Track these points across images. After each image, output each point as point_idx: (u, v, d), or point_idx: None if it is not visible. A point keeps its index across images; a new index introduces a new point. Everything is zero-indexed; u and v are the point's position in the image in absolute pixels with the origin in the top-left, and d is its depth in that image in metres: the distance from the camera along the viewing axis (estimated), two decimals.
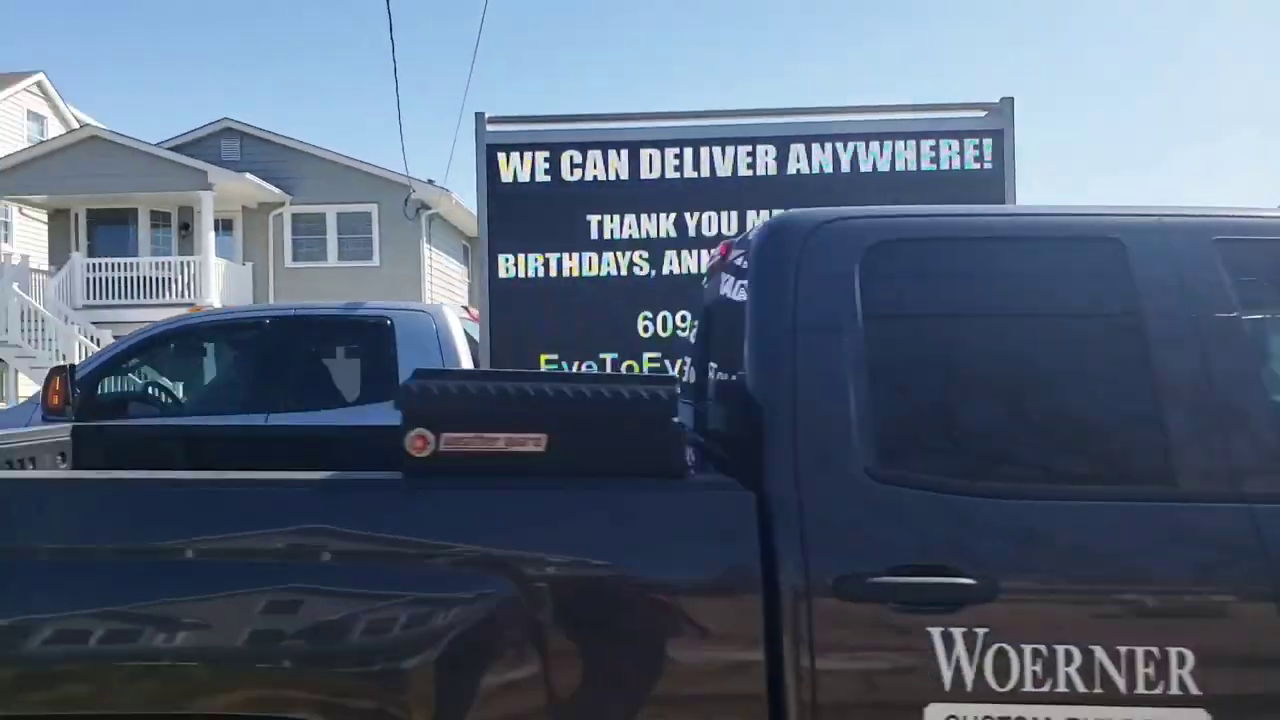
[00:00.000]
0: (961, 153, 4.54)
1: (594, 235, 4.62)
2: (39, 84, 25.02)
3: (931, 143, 4.55)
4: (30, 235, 22.34)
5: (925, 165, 4.56)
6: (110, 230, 19.65)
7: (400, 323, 4.93)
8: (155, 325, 5.32)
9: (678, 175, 4.62)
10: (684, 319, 4.54)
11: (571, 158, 4.65)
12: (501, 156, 4.66)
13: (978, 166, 4.52)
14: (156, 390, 5.54)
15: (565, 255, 4.61)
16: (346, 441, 3.07)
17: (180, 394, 5.69)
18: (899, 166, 4.58)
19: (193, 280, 18.14)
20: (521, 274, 4.64)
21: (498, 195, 4.66)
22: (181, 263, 18.45)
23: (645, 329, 4.60)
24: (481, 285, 4.65)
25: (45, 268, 19.57)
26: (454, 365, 4.71)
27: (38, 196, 19.30)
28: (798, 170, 4.62)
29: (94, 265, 18.11)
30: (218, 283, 18.44)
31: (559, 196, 4.63)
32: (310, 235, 21.07)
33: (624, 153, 4.64)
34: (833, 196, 4.51)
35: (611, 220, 4.64)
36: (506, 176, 4.69)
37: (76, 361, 5.06)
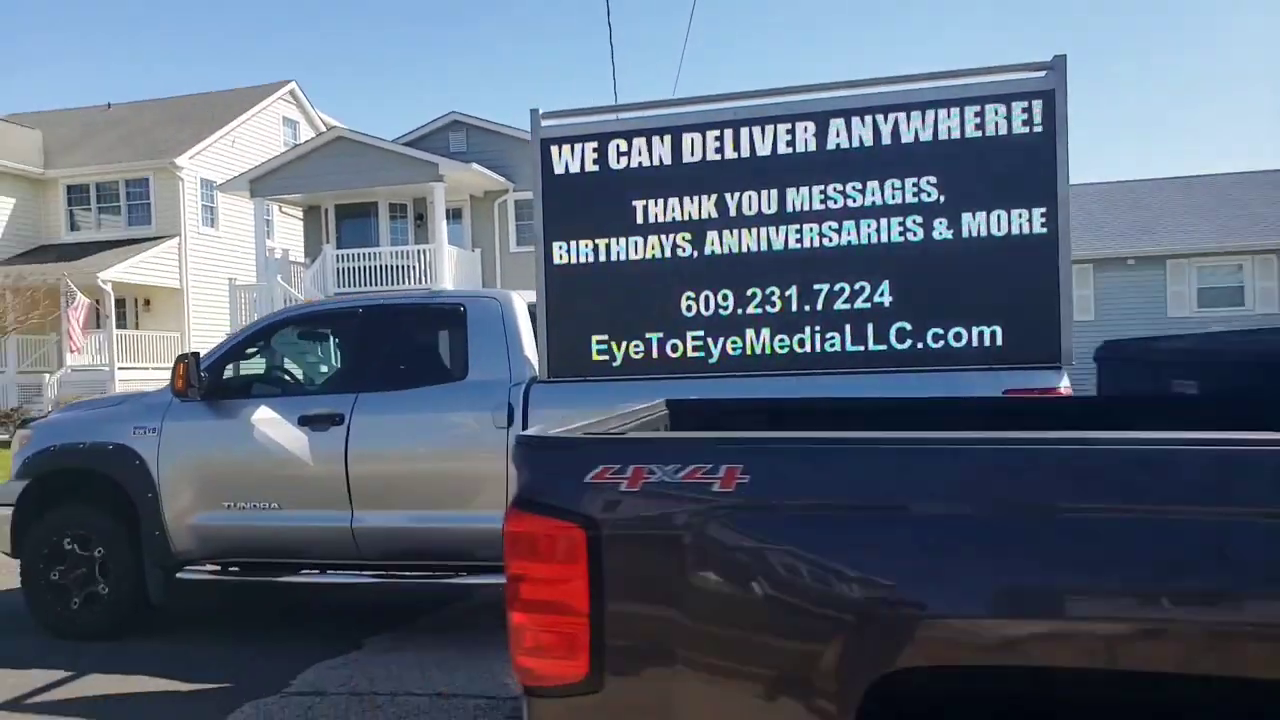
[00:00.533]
0: (1009, 117, 4.39)
1: (639, 220, 4.80)
2: (291, 92, 27.63)
3: (976, 109, 4.42)
4: (288, 231, 24.80)
5: (970, 133, 4.43)
6: (355, 223, 21.39)
7: (471, 308, 5.28)
8: (269, 316, 5.99)
9: (718, 157, 4.72)
10: (724, 297, 4.68)
11: (618, 146, 4.84)
12: (554, 149, 4.92)
13: (1026, 131, 4.37)
14: (276, 372, 6.15)
15: (613, 240, 4.82)
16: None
17: (298, 375, 6.29)
18: (942, 135, 4.47)
19: (428, 267, 19.43)
20: (574, 260, 4.90)
21: (552, 186, 4.95)
22: (418, 251, 19.80)
23: (689, 308, 4.74)
24: (538, 271, 4.97)
25: (301, 260, 21.60)
26: (515, 347, 5.05)
27: (294, 196, 21.36)
28: (837, 145, 4.60)
29: (342, 256, 19.79)
30: (450, 269, 19.64)
31: (606, 184, 4.85)
32: (531, 220, 21.87)
33: (667, 138, 4.78)
34: (875, 170, 4.51)
35: (655, 204, 4.79)
36: (559, 168, 4.94)
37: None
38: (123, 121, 26.81)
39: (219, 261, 24.47)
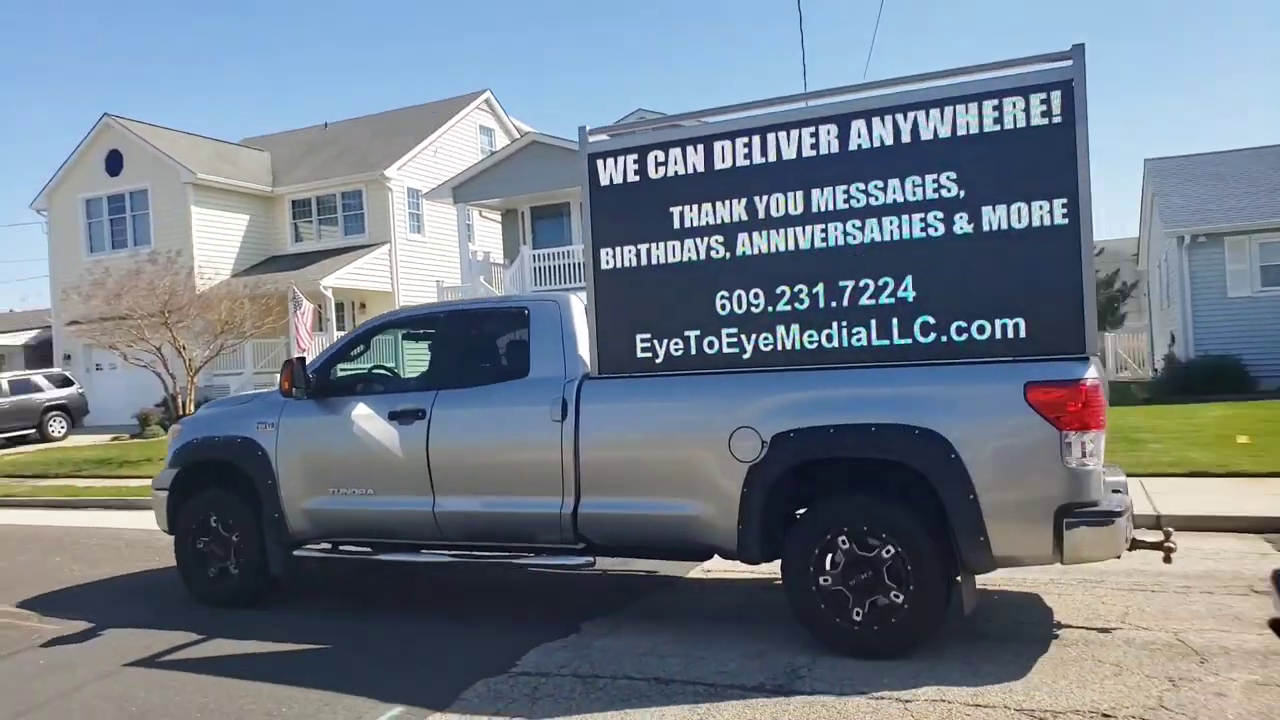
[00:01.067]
0: (1028, 109, 4.42)
1: (676, 225, 5.13)
2: (486, 100, 28.99)
3: (994, 102, 4.47)
4: (487, 234, 26.06)
5: (989, 127, 4.49)
6: (549, 223, 22.22)
7: (534, 311, 5.72)
8: (369, 321, 6.61)
9: (747, 162, 4.97)
10: (756, 296, 4.92)
11: (656, 157, 5.18)
12: (600, 163, 5.31)
13: (1046, 122, 4.39)
14: (375, 371, 6.78)
15: (653, 245, 5.18)
16: None
17: (392, 374, 6.83)
18: (961, 131, 4.54)
19: None
20: (619, 264, 5.27)
21: (599, 197, 5.35)
22: None
23: (723, 307, 5.01)
24: (588, 276, 5.36)
25: (500, 261, 22.55)
26: (570, 347, 5.46)
27: (492, 200, 22.47)
28: (859, 146, 4.74)
29: (538, 256, 20.58)
30: None
31: (646, 193, 5.20)
32: None
33: (700, 147, 5.08)
34: (895, 168, 4.64)
35: (691, 210, 5.09)
36: (604, 180, 5.33)
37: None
38: (337, 139, 29.11)
39: (425, 265, 26.14)
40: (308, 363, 6.16)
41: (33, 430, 22.17)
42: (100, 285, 19.79)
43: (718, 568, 6.14)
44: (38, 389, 22.65)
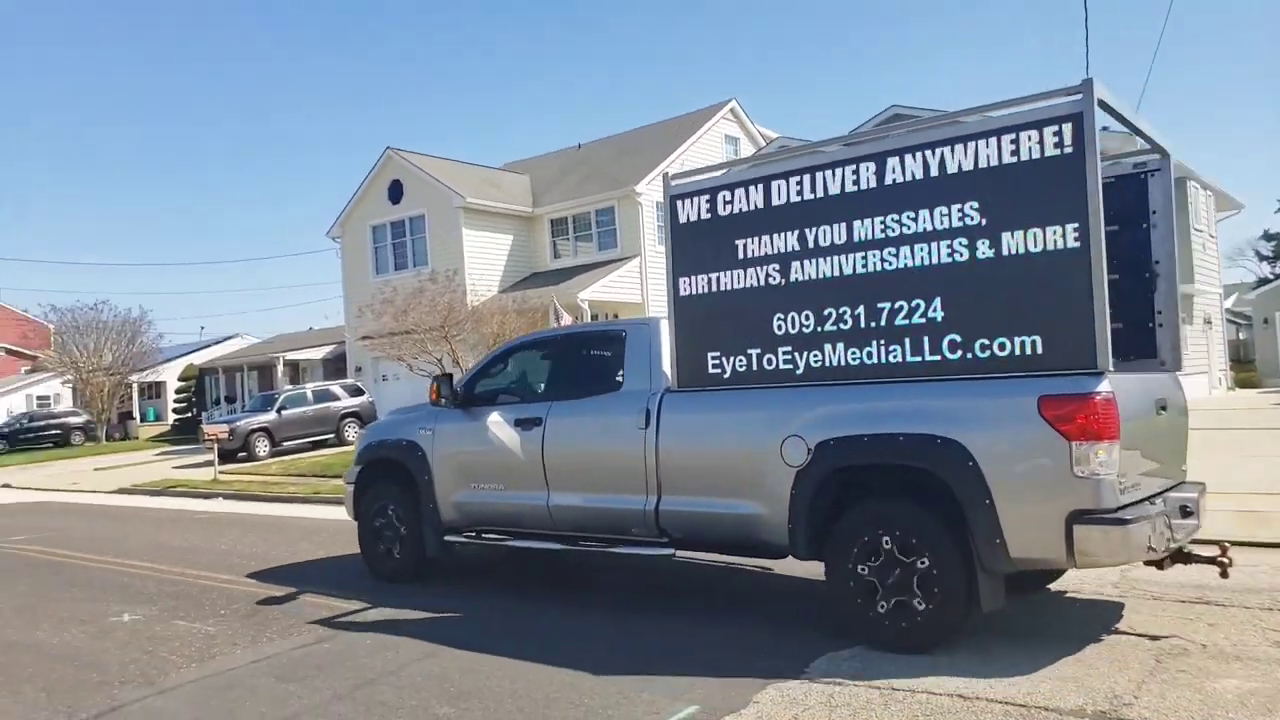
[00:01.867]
0: (1041, 141, 4.81)
1: (740, 255, 5.88)
2: (732, 110, 29.44)
3: (1012, 136, 4.90)
4: None
5: (1007, 159, 4.92)
6: None
7: (630, 332, 6.76)
8: (505, 344, 8.16)
9: (799, 199, 5.67)
10: (807, 318, 5.58)
11: (724, 197, 5.99)
12: (679, 203, 6.20)
13: (1058, 152, 4.76)
14: (513, 386, 7.82)
15: (721, 273, 5.97)
16: None
17: (521, 388, 7.81)
18: (983, 164, 5.01)
19: None
20: (694, 291, 6.10)
21: (677, 233, 6.23)
22: None
23: (779, 328, 5.71)
24: (668, 301, 6.24)
25: None
26: (656, 364, 6.40)
27: None
28: (894, 180, 5.31)
29: None
30: None
31: (716, 228, 6.01)
32: None
33: (760, 187, 5.83)
34: (925, 199, 5.14)
35: (752, 242, 5.83)
36: (683, 218, 6.20)
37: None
38: (590, 158, 30.65)
39: None
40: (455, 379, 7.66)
41: (331, 435, 24.92)
42: (389, 303, 22.10)
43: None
44: (335, 398, 25.63)
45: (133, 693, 5.18)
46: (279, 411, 24.84)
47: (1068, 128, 4.71)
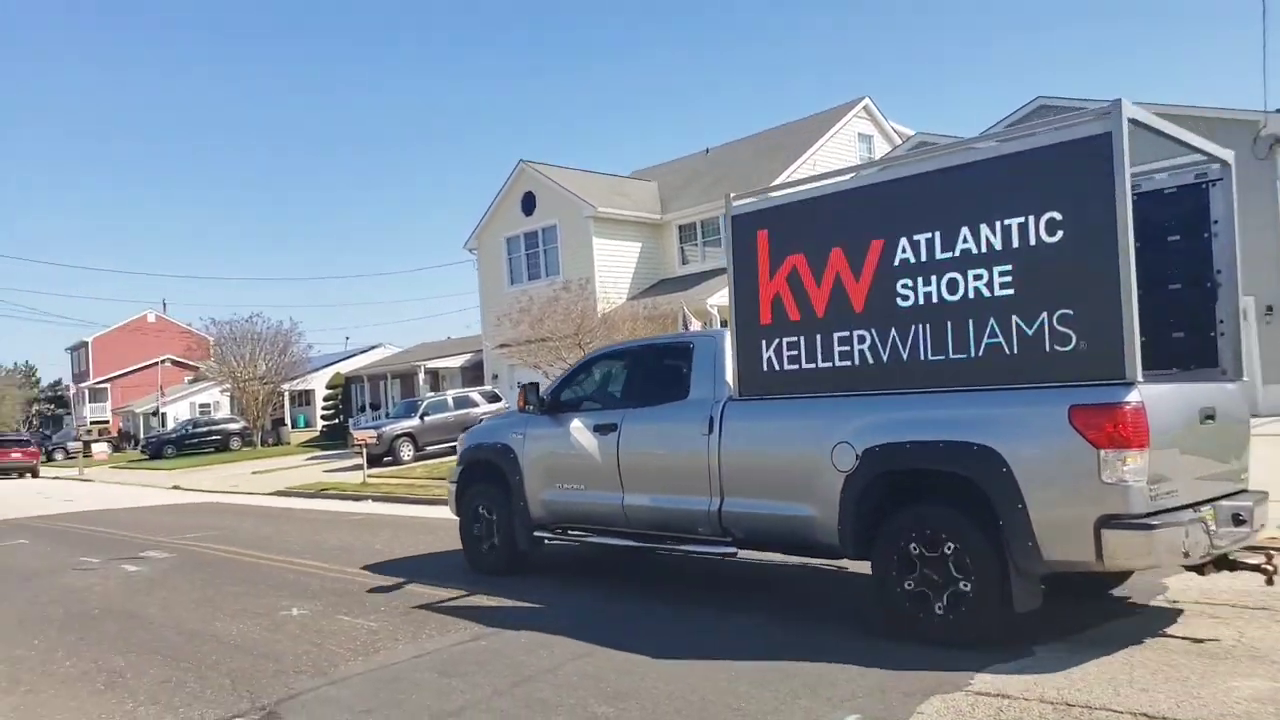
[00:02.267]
0: (1076, 162, 5.00)
1: (793, 271, 6.33)
2: (865, 107, 28.87)
3: (1049, 156, 5.13)
4: None
5: (1046, 180, 5.14)
6: None
7: (696, 344, 7.30)
8: (586, 355, 9.01)
9: (843, 218, 6.11)
10: (861, 336, 5.98)
11: (780, 216, 6.49)
12: (739, 223, 6.72)
13: (1090, 173, 4.92)
14: (593, 393, 8.39)
15: (778, 289, 6.43)
16: None
17: (600, 396, 8.36)
18: (1023, 183, 5.23)
19: None
20: (753, 305, 6.60)
21: (738, 251, 6.70)
22: None
23: (828, 341, 6.16)
24: (730, 315, 6.77)
25: None
26: (720, 374, 6.87)
27: None
28: (940, 201, 5.57)
29: None
30: None
31: (774, 247, 6.46)
32: None
33: (812, 208, 6.29)
34: (970, 217, 5.39)
35: (803, 258, 6.25)
36: (742, 237, 6.68)
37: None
38: (718, 163, 30.63)
39: None
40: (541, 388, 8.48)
41: None
42: (525, 312, 22.71)
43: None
44: (474, 404, 26.49)
45: (307, 682, 5.48)
46: (422, 417, 25.85)
47: (1098, 146, 4.90)
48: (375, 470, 22.31)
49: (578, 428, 7.76)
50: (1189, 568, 5.32)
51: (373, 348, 54.73)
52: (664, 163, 34.94)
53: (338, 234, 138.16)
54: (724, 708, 4.57)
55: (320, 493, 19.83)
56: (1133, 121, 4.92)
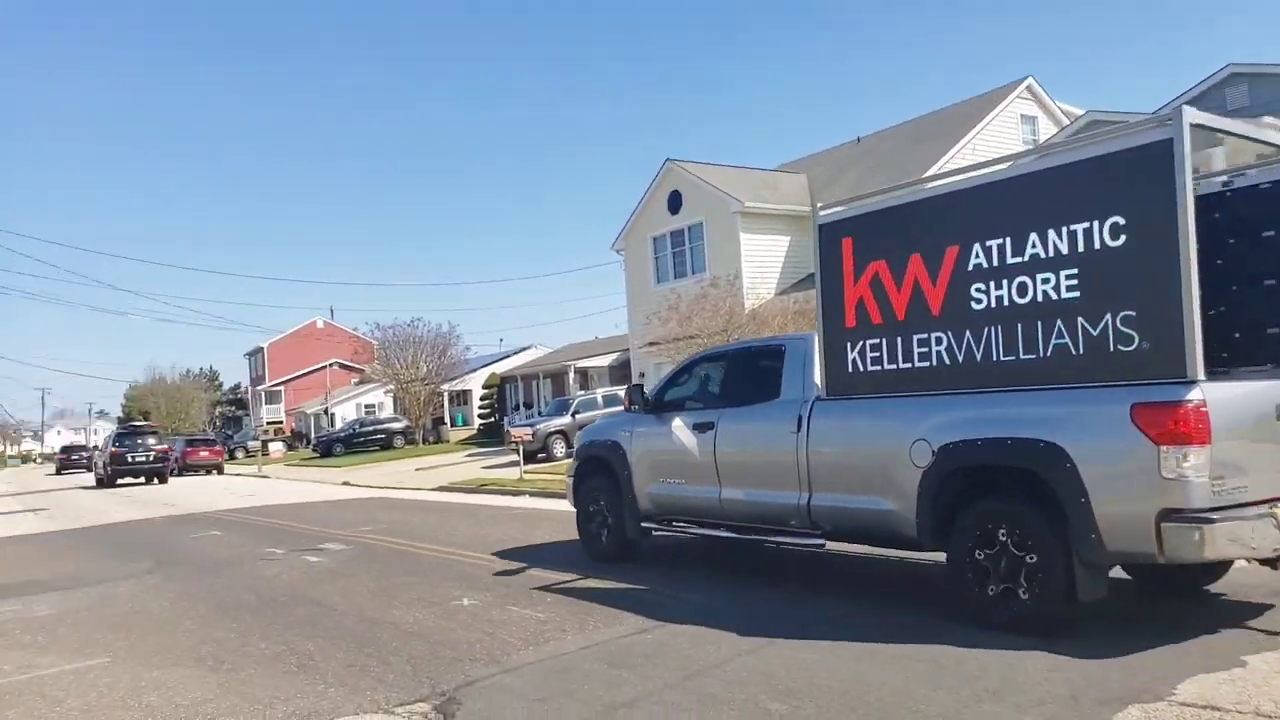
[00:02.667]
0: (1140, 167, 5.20)
1: (878, 277, 6.66)
2: (1028, 88, 27.67)
3: (1116, 162, 5.35)
4: None
5: (1111, 185, 5.37)
6: None
7: (788, 347, 7.74)
8: (687, 358, 9.70)
9: (921, 226, 6.46)
10: (939, 338, 6.32)
11: (863, 224, 6.87)
12: (825, 231, 7.12)
13: (1155, 177, 5.09)
14: (693, 394, 8.90)
15: (862, 294, 6.77)
16: None
17: (705, 396, 8.80)
18: (1093, 191, 5.47)
19: None
20: (839, 310, 6.97)
21: (825, 258, 7.08)
22: None
23: (909, 343, 6.49)
24: (818, 318, 7.14)
25: None
26: (809, 375, 7.26)
27: None
28: (1015, 208, 5.86)
29: None
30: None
31: (859, 253, 6.80)
32: None
33: (893, 217, 6.67)
34: (1041, 222, 5.66)
35: (887, 265, 6.56)
36: (828, 245, 7.05)
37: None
38: (870, 152, 29.92)
39: None
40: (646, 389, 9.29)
41: None
42: (674, 310, 22.85)
43: None
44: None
45: (482, 670, 5.68)
46: (573, 415, 26.48)
47: (1160, 152, 5.06)
48: (530, 466, 22.97)
49: (679, 426, 8.36)
50: (1262, 562, 5.46)
51: (525, 349, 56.38)
52: (814, 154, 34.40)
53: (493, 241, 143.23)
54: (903, 710, 4.44)
55: (480, 488, 20.57)
56: (1198, 126, 5.13)
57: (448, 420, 52.19)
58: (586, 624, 6.62)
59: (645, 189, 31.11)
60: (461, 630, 6.72)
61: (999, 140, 26.80)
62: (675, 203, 30.02)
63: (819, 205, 7.25)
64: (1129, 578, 6.54)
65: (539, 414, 32.55)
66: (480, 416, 49.18)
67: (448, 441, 46.98)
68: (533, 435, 24.99)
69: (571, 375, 39.77)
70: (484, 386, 49.62)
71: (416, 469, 29.62)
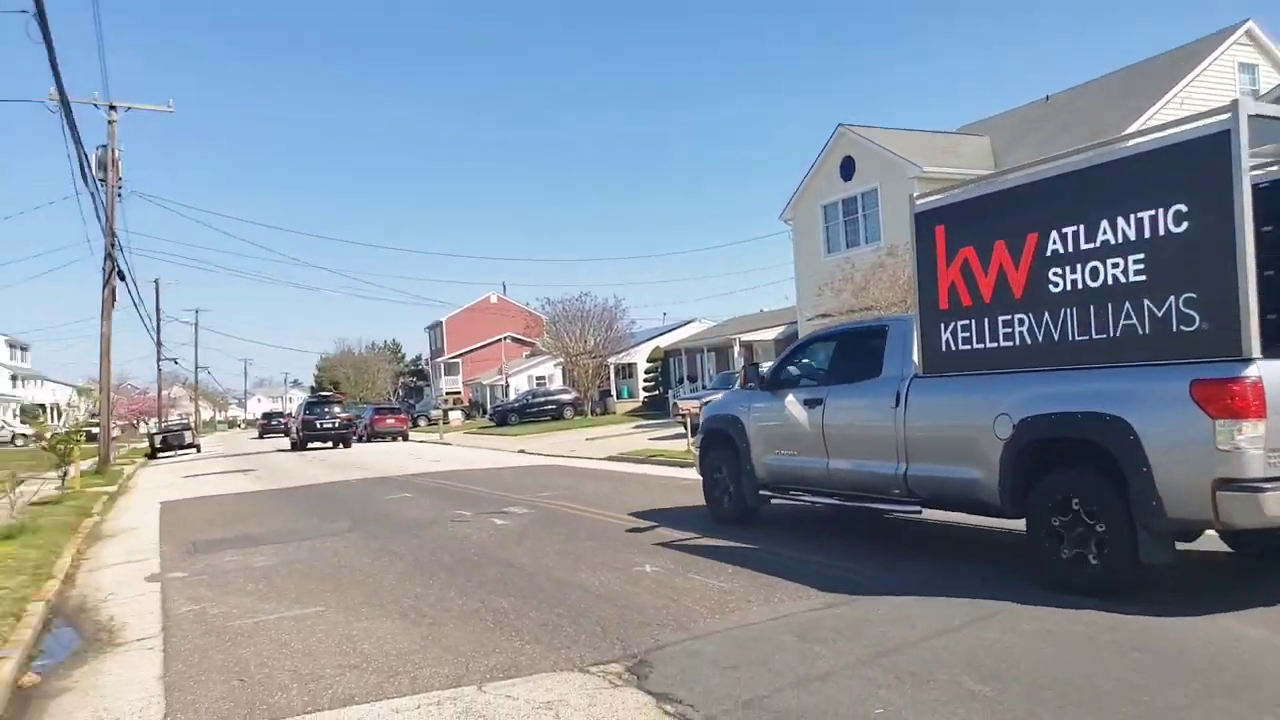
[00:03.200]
0: (1200, 155, 5.53)
1: (969, 263, 7.17)
2: (1247, 33, 25.17)
3: (1178, 153, 5.69)
4: None
5: (1174, 173, 5.71)
6: None
7: (890, 327, 8.26)
8: (801, 339, 10.49)
9: (1010, 214, 6.89)
10: (1021, 319, 6.76)
11: (954, 213, 7.40)
12: (920, 220, 7.70)
13: (1213, 164, 5.42)
14: (804, 372, 9.63)
15: (954, 278, 7.31)
16: None
17: (815, 374, 9.49)
18: (1156, 180, 5.82)
19: None
20: (934, 292, 7.55)
21: (921, 244, 7.64)
22: None
23: (994, 324, 6.98)
24: (914, 301, 7.74)
25: None
26: (908, 354, 7.80)
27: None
28: (1090, 198, 6.22)
29: None
30: None
31: (953, 240, 7.34)
32: None
33: (981, 205, 7.18)
34: (1115, 211, 6.00)
35: (978, 252, 7.06)
36: (924, 232, 7.63)
37: None
38: (1061, 110, 28.24)
39: None
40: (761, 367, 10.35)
41: None
42: (848, 280, 22.36)
43: None
44: None
45: (671, 635, 5.77)
46: None
47: (1219, 140, 5.38)
48: (697, 438, 23.06)
49: (790, 402, 9.08)
50: None
51: (688, 322, 56.69)
52: (998, 114, 32.66)
53: (659, 214, 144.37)
54: (1122, 699, 4.20)
55: (649, 458, 20.89)
56: (1257, 116, 5.43)
57: (614, 393, 53.25)
58: (771, 596, 6.62)
59: (815, 157, 30.48)
60: (647, 595, 6.87)
61: (1213, 91, 24.51)
62: (848, 169, 29.25)
63: (914, 195, 7.90)
64: None
65: (703, 387, 32.65)
66: (645, 389, 49.89)
67: (614, 413, 47.96)
68: (700, 408, 25.07)
69: (736, 348, 39.66)
70: (648, 360, 50.29)
71: (587, 439, 30.39)
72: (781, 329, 37.83)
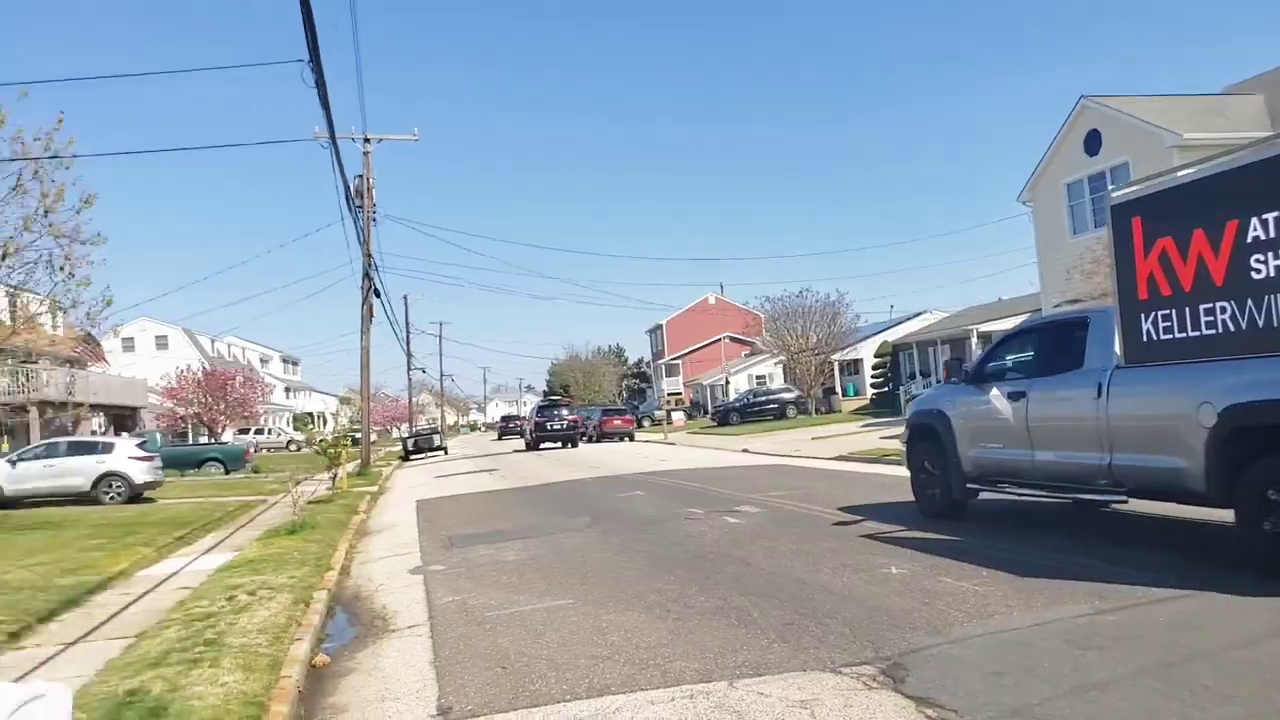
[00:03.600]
0: None
1: (1169, 255, 7.09)
2: None
3: None
4: None
5: None
6: None
7: (1092, 320, 8.41)
8: (1004, 333, 10.72)
9: (1209, 204, 6.84)
10: (1222, 307, 6.70)
11: (1153, 205, 7.29)
12: (1118, 212, 7.68)
13: None
14: (1008, 365, 9.60)
15: (1153, 269, 7.31)
16: None
17: (1018, 367, 9.44)
18: None
19: None
20: (1134, 283, 7.59)
21: (1119, 238, 7.65)
22: None
23: (1196, 313, 6.89)
24: (1113, 293, 7.76)
25: None
26: (1109, 346, 7.88)
27: None
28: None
29: None
30: None
31: (1153, 231, 7.29)
32: None
33: (1177, 195, 7.09)
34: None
35: (1180, 240, 6.95)
36: (1121, 227, 7.62)
37: None
38: None
39: None
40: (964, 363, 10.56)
41: None
42: (1100, 262, 20.62)
43: None
44: None
45: (924, 639, 5.56)
46: None
47: None
48: None
49: (995, 395, 9.20)
50: None
51: (918, 314, 54.59)
52: (1270, 70, 29.22)
53: (878, 205, 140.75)
54: None
55: (881, 458, 20.21)
56: None
57: (839, 390, 52.20)
58: (1034, 601, 6.23)
59: (1055, 133, 28.49)
60: (895, 598, 6.66)
61: None
62: (1094, 143, 27.09)
63: (1111, 188, 7.91)
64: None
65: (937, 383, 31.30)
66: (873, 385, 48.57)
67: (839, 411, 47.01)
68: None
69: (974, 340, 37.77)
70: (875, 355, 48.91)
71: (812, 438, 29.95)
72: (1024, 318, 35.62)
